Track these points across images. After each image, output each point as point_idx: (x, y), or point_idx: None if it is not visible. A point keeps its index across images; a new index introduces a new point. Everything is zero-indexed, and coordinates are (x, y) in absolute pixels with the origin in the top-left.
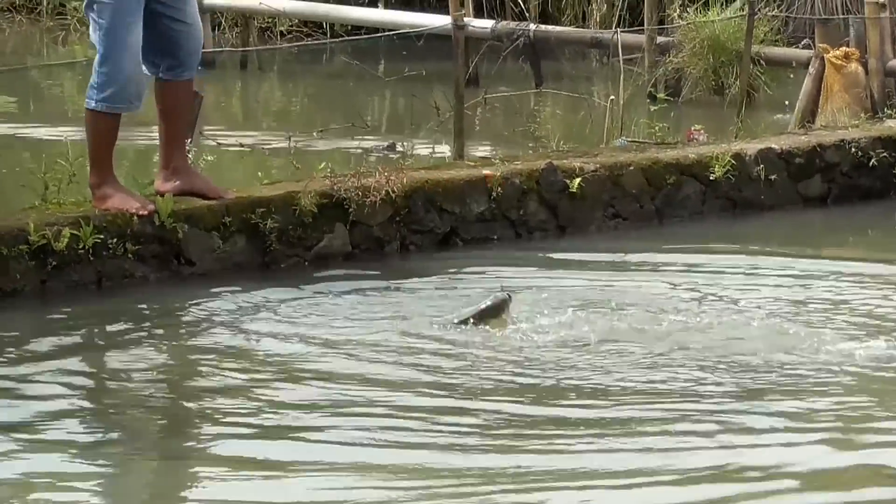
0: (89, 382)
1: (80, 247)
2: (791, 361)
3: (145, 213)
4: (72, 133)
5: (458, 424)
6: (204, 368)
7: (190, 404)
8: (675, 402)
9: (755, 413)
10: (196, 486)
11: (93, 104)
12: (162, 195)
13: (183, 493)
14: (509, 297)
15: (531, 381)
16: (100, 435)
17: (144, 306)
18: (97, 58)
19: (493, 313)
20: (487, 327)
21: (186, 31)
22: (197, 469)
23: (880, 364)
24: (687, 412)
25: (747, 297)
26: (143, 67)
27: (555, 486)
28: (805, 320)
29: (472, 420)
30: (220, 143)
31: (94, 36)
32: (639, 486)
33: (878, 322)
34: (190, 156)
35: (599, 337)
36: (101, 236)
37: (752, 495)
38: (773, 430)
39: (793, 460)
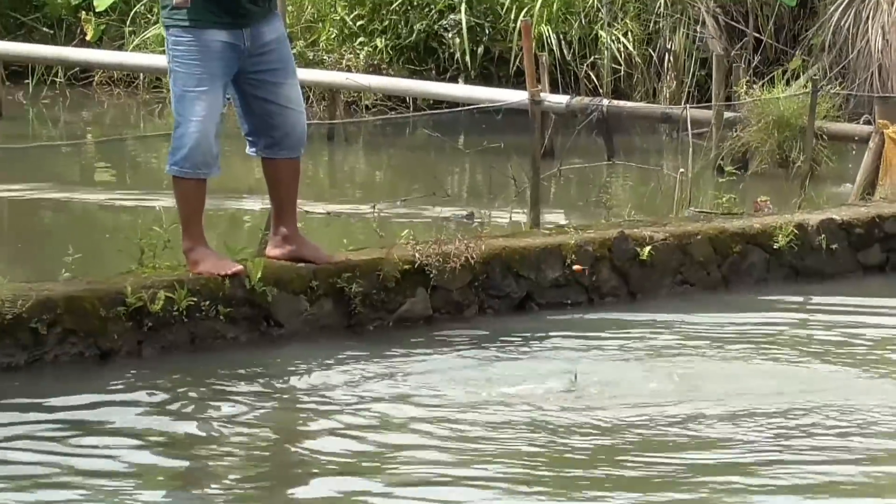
0: (183, 436)
1: (175, 309)
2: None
3: (232, 272)
4: (165, 201)
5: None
6: (293, 424)
7: (281, 456)
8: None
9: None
10: None
11: (167, 168)
12: (272, 259)
13: None
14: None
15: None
16: (179, 478)
17: (236, 366)
18: (175, 126)
19: None
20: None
21: (281, 113)
22: None
23: None
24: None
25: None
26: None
27: None
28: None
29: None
30: (307, 211)
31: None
32: None
33: None
34: None
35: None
36: (195, 299)
37: None
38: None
39: None
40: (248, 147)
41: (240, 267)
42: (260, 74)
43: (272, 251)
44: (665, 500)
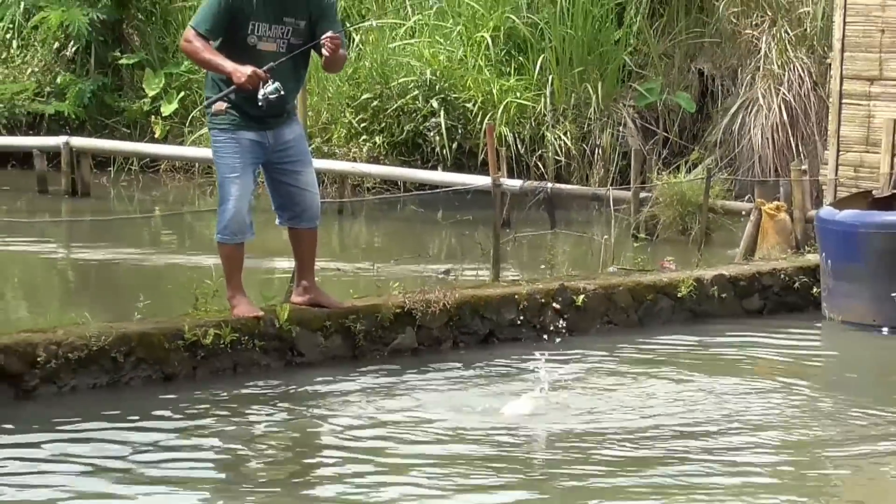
0: (230, 443)
1: (221, 342)
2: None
3: (257, 315)
4: (214, 260)
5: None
6: (315, 431)
7: (305, 457)
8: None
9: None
10: None
11: (216, 236)
12: (296, 304)
13: None
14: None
15: None
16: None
17: (269, 387)
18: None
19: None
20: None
21: (301, 194)
22: None
23: None
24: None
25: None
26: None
27: None
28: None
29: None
30: (322, 268)
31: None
32: None
33: None
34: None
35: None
36: (237, 335)
37: None
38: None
39: None
40: (277, 220)
41: (260, 312)
42: (283, 165)
43: (296, 298)
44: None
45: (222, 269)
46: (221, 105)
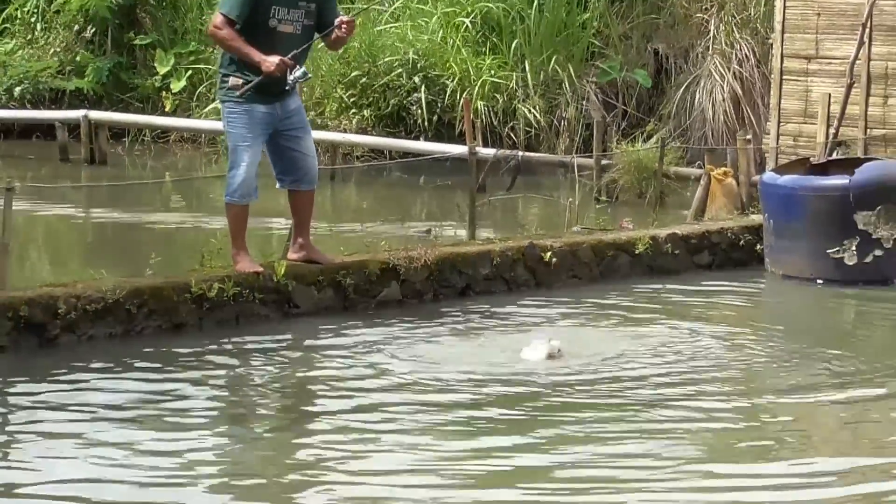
0: (233, 382)
1: (225, 295)
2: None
3: (258, 271)
4: (219, 223)
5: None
6: (310, 373)
7: (302, 397)
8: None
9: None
10: (299, 450)
11: (226, 198)
12: (292, 261)
13: (291, 454)
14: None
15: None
16: (230, 414)
17: (268, 334)
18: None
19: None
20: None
21: (303, 158)
22: (302, 440)
23: None
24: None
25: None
26: (277, 181)
27: None
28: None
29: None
30: (316, 228)
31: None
32: None
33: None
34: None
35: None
36: (239, 288)
37: None
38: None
39: None
40: (278, 184)
41: (261, 268)
42: (288, 132)
43: (292, 255)
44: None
45: (228, 229)
46: (239, 80)
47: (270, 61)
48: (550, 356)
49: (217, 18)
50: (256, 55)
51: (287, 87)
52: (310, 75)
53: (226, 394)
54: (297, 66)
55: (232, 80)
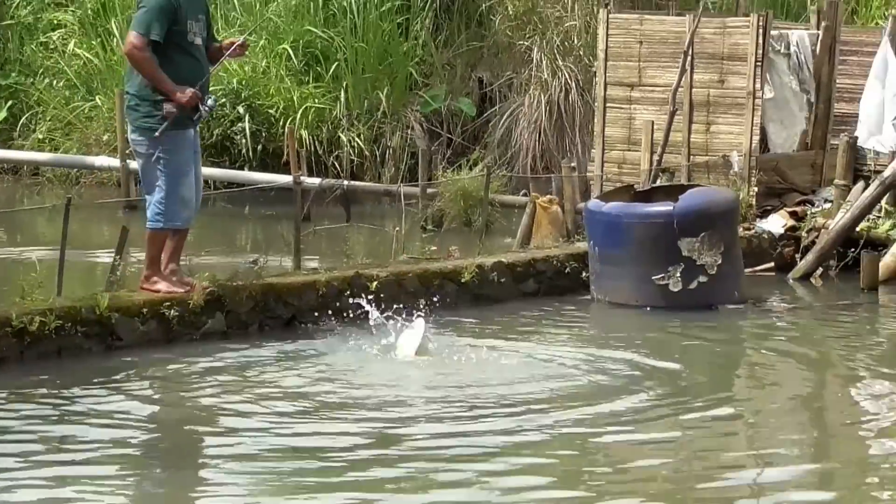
0: (64, 411)
1: (46, 329)
2: None
3: (183, 290)
4: (39, 253)
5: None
6: (134, 403)
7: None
8: None
9: None
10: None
11: (155, 224)
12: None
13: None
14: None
15: None
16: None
17: (90, 372)
18: (160, 195)
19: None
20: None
21: (197, 183)
22: None
23: None
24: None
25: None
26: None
27: None
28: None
29: None
30: (140, 261)
31: (148, 178)
32: None
33: None
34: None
35: None
36: (60, 321)
37: None
38: None
39: None
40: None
41: (188, 287)
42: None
43: (159, 285)
44: None
45: (146, 254)
46: (173, 109)
47: (184, 92)
48: (421, 351)
49: (136, 39)
50: (170, 84)
51: (202, 117)
52: (217, 103)
53: (50, 433)
54: (207, 96)
55: (167, 108)
